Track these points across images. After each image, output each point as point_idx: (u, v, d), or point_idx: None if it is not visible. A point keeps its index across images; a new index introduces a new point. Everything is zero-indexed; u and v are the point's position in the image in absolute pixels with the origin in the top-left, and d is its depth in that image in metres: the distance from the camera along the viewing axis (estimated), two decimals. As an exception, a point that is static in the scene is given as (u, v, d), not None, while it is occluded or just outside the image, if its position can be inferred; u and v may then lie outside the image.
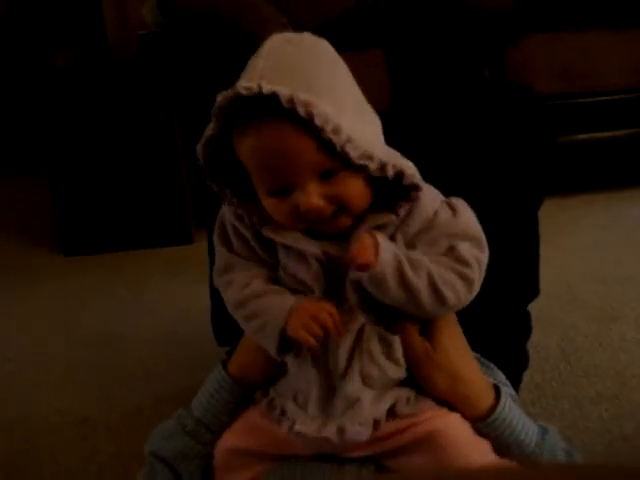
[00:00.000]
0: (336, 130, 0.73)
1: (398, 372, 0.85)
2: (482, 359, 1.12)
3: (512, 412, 0.89)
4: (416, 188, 0.80)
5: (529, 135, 1.31)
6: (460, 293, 0.82)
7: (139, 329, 2.07)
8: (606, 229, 2.47)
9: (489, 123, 1.31)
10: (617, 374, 1.63)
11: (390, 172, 0.77)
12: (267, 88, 0.71)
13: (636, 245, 2.33)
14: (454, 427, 0.86)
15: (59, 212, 2.64)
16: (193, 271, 2.25)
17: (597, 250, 2.32)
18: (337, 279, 0.84)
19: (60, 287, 2.43)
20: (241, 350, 0.96)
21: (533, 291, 1.37)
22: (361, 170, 0.77)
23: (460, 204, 0.87)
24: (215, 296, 1.41)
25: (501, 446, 0.87)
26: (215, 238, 0.90)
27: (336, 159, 0.75)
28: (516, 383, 1.32)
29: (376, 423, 0.83)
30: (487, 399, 0.89)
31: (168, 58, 2.53)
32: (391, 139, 0.85)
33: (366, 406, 0.83)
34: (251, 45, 1.92)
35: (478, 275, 0.83)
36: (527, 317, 1.38)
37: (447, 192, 0.89)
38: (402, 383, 0.87)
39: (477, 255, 0.84)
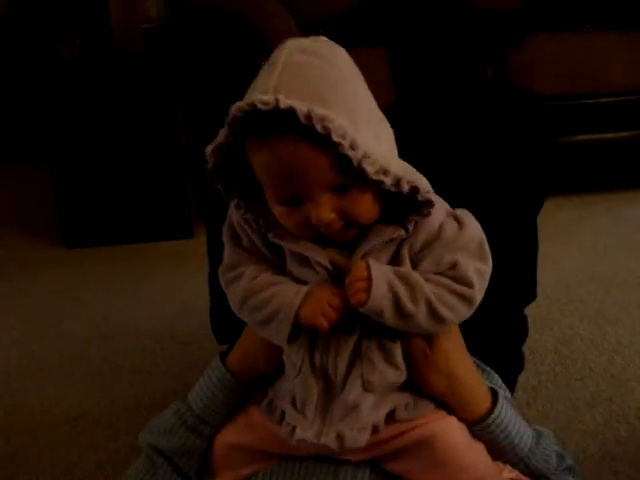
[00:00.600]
0: (353, 146, 0.72)
1: (398, 376, 0.85)
2: (478, 362, 1.14)
3: (508, 416, 0.90)
4: (430, 204, 0.79)
5: (529, 138, 1.32)
6: (460, 313, 0.82)
7: (140, 323, 2.08)
8: (606, 231, 2.47)
9: (490, 125, 1.32)
10: (612, 377, 1.64)
11: (405, 187, 0.76)
12: (285, 103, 0.69)
13: (636, 248, 2.33)
14: (451, 430, 0.87)
15: (61, 205, 2.65)
16: (194, 265, 2.24)
17: (596, 252, 2.32)
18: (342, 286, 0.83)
19: (61, 279, 2.44)
20: (242, 342, 0.96)
21: (530, 295, 1.37)
22: (375, 185, 0.76)
23: (466, 216, 0.86)
24: (214, 295, 1.42)
25: (496, 449, 0.89)
26: (224, 235, 0.90)
27: (350, 175, 0.75)
28: (511, 385, 1.34)
29: (375, 428, 0.84)
30: (484, 402, 0.90)
31: (172, 52, 2.53)
32: (397, 134, 0.85)
33: (365, 411, 0.83)
34: (256, 40, 1.91)
35: (480, 293, 0.83)
36: (524, 320, 1.39)
37: (447, 192, 0.89)
38: (402, 387, 0.87)
39: (480, 268, 0.83)
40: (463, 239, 0.83)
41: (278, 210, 0.80)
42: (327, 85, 0.75)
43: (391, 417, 0.85)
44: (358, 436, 0.83)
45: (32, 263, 2.59)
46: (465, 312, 0.82)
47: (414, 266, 0.83)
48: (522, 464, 0.89)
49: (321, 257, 0.81)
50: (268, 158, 0.74)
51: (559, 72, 2.50)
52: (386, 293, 0.78)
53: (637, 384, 1.61)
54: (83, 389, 1.76)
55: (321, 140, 0.71)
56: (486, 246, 0.85)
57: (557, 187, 2.54)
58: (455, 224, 0.84)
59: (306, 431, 0.84)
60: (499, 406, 0.89)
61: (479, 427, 0.88)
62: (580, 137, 2.60)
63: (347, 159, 0.72)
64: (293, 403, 0.87)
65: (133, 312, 2.15)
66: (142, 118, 2.54)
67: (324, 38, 0.81)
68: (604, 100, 2.53)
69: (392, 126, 0.85)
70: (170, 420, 0.96)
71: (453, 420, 0.88)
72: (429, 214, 0.80)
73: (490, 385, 0.97)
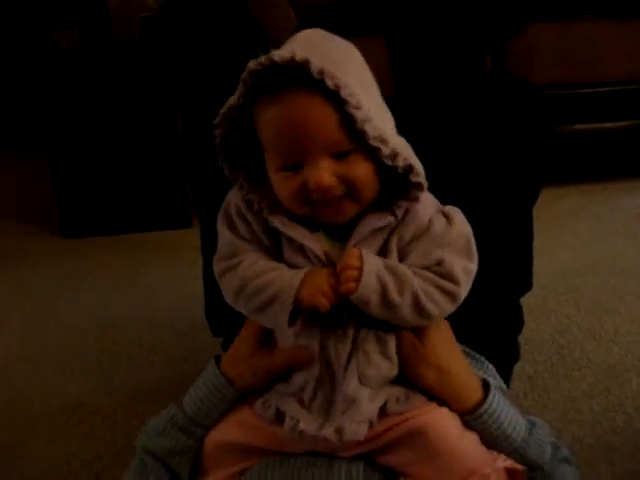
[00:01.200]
0: (359, 106, 0.75)
1: (392, 370, 0.86)
2: (472, 352, 1.14)
3: (500, 406, 0.90)
4: (419, 187, 0.81)
5: (525, 128, 1.32)
6: (444, 308, 0.84)
7: (138, 313, 2.08)
8: (603, 220, 2.48)
9: (487, 115, 1.32)
10: (609, 367, 1.65)
11: (401, 163, 0.78)
12: (301, 57, 0.73)
13: (633, 237, 2.33)
14: (443, 421, 0.87)
15: (60, 194, 2.66)
16: (192, 255, 2.22)
17: (594, 241, 2.32)
18: None
19: (59, 269, 2.44)
20: (237, 356, 0.95)
21: (526, 285, 1.37)
22: (373, 155, 0.78)
23: (455, 213, 0.87)
24: (209, 288, 1.41)
25: (489, 439, 0.89)
26: (219, 224, 0.90)
27: (352, 140, 0.77)
28: (507, 376, 1.34)
29: (370, 422, 0.84)
30: (475, 393, 0.90)
31: (170, 41, 2.52)
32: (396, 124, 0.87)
33: (363, 405, 0.84)
34: (254, 29, 1.90)
35: (465, 289, 0.84)
36: (519, 310, 1.39)
37: (444, 181, 0.90)
38: (393, 381, 0.88)
39: (466, 266, 0.85)
40: (451, 235, 0.85)
41: (277, 178, 0.81)
42: (342, 59, 0.79)
43: (383, 411, 0.86)
44: (357, 429, 0.83)
45: (30, 253, 2.59)
46: (448, 308, 0.84)
47: (401, 259, 0.85)
48: (516, 454, 0.89)
49: (316, 247, 0.83)
50: (277, 111, 0.77)
51: (558, 61, 2.50)
52: (375, 285, 0.79)
53: (635, 374, 1.61)
54: (81, 379, 1.76)
55: (330, 97, 0.74)
56: (473, 244, 0.87)
57: (555, 176, 2.55)
58: (444, 220, 0.86)
59: (309, 424, 0.84)
60: (491, 397, 0.89)
61: (471, 417, 0.88)
62: (578, 126, 2.60)
63: (351, 123, 0.75)
64: (298, 400, 0.87)
65: (131, 302, 2.16)
66: (140, 107, 2.54)
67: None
68: (603, 89, 2.53)
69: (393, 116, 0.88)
70: (162, 422, 0.96)
71: (445, 411, 0.88)
72: (417, 199, 0.83)
73: (482, 376, 0.98)
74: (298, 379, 0.87)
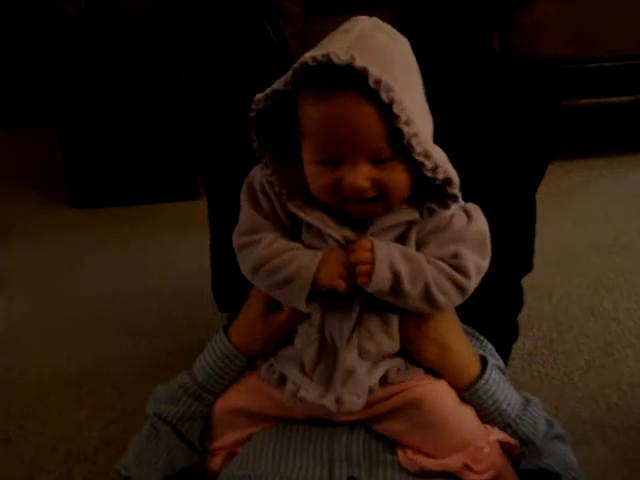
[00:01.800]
0: (408, 122, 0.75)
1: (393, 346, 0.90)
2: (472, 331, 1.18)
3: (496, 383, 0.94)
4: (454, 199, 0.83)
5: (530, 107, 1.33)
6: (453, 299, 0.87)
7: (147, 284, 2.11)
8: (609, 196, 2.48)
9: (492, 95, 1.33)
10: (607, 344, 1.68)
11: (440, 176, 0.80)
12: (360, 63, 0.73)
13: (636, 213, 2.34)
14: (440, 393, 0.92)
15: (69, 164, 2.66)
16: (200, 226, 2.26)
17: (598, 217, 2.33)
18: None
19: (69, 240, 2.46)
20: (244, 323, 1.00)
21: (527, 266, 1.40)
22: (411, 163, 0.79)
23: (475, 211, 0.90)
24: (216, 263, 1.45)
25: (484, 413, 0.93)
26: (242, 197, 0.92)
27: (395, 149, 0.78)
28: (506, 354, 1.38)
29: (370, 391, 0.88)
30: (473, 370, 0.95)
31: (177, 12, 2.51)
32: None
33: (362, 377, 0.88)
34: (262, 2, 1.89)
35: (474, 285, 0.88)
36: (519, 291, 1.42)
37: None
38: (394, 354, 0.92)
39: (479, 263, 0.88)
40: (469, 232, 0.88)
41: (312, 169, 0.83)
42: (397, 62, 0.79)
43: (383, 380, 0.90)
44: (356, 400, 0.87)
45: (40, 223, 2.60)
46: (457, 300, 0.87)
47: (418, 248, 0.88)
48: (509, 429, 0.94)
49: (335, 232, 0.85)
50: (324, 112, 0.77)
51: (565, 35, 2.48)
52: (387, 275, 0.82)
53: (631, 351, 1.65)
54: (91, 350, 1.80)
55: (381, 108, 0.74)
56: (488, 243, 0.90)
57: (561, 151, 2.55)
58: (465, 217, 0.88)
59: (309, 392, 0.89)
60: (487, 373, 0.94)
61: (468, 392, 0.93)
62: (584, 101, 2.59)
63: (397, 133, 0.76)
64: (301, 368, 0.91)
65: (140, 273, 2.18)
66: (147, 78, 2.53)
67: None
68: (609, 64, 2.51)
69: None
70: (173, 389, 1.01)
71: (442, 383, 0.93)
72: (449, 207, 0.84)
73: (481, 353, 1.01)
74: (300, 342, 0.91)
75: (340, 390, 0.88)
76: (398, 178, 0.81)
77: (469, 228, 0.88)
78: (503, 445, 0.93)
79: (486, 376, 0.93)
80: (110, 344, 1.83)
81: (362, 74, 0.73)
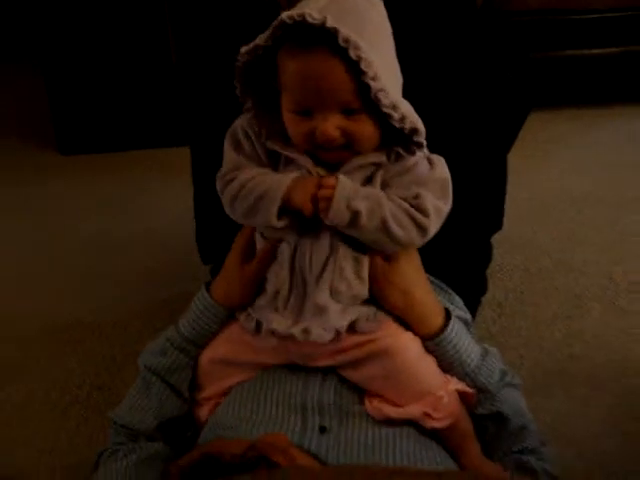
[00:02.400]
0: (375, 78, 0.82)
1: (362, 289, 0.97)
2: (442, 285, 1.26)
3: (458, 334, 1.02)
4: (420, 146, 0.91)
5: (498, 62, 1.37)
6: (412, 236, 0.93)
7: (134, 233, 2.15)
8: (588, 148, 2.52)
9: (467, 49, 1.37)
10: (574, 297, 1.75)
11: (407, 126, 0.87)
12: (331, 23, 0.80)
13: (615, 165, 2.38)
14: (406, 344, 0.99)
15: (55, 110, 2.66)
16: (188, 174, 2.29)
17: (576, 169, 2.37)
18: None
19: (56, 188, 2.47)
20: (222, 276, 1.07)
21: (496, 225, 1.46)
22: (379, 114, 0.86)
23: (438, 160, 0.97)
24: (200, 216, 1.50)
25: (445, 363, 1.02)
26: (226, 145, 0.99)
27: (364, 102, 0.85)
28: (474, 307, 1.45)
29: (337, 332, 0.96)
30: (437, 319, 1.03)
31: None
32: None
33: (332, 315, 0.95)
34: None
35: (435, 224, 0.94)
36: (489, 248, 1.48)
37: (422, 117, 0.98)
38: (366, 302, 0.99)
39: (439, 206, 0.94)
40: (431, 177, 0.95)
41: (289, 117, 0.90)
42: (369, 23, 0.85)
43: (353, 328, 0.97)
44: (323, 333, 0.95)
45: (26, 170, 2.61)
46: (416, 237, 0.94)
47: (382, 188, 0.94)
48: (468, 378, 1.02)
49: (310, 167, 0.93)
50: (299, 66, 0.85)
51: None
52: (344, 210, 0.89)
53: (597, 304, 1.72)
54: (79, 298, 1.85)
55: (350, 64, 0.81)
56: (449, 189, 0.96)
57: (541, 101, 2.57)
58: (427, 165, 0.95)
59: (280, 324, 0.97)
60: (450, 325, 1.02)
61: (432, 343, 1.01)
62: (569, 52, 2.63)
63: (366, 88, 0.83)
64: (275, 310, 0.98)
65: (128, 222, 2.21)
66: (133, 21, 2.52)
67: None
68: (594, 16, 2.55)
69: None
70: (161, 342, 1.10)
71: (409, 335, 1.00)
72: (414, 153, 0.92)
73: (448, 306, 1.09)
74: (271, 285, 0.98)
75: (309, 322, 0.96)
76: (366, 128, 0.88)
77: (431, 174, 0.95)
78: (461, 394, 1.02)
79: (449, 328, 1.01)
80: (97, 292, 1.88)
81: (333, 33, 0.80)
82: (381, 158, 0.93)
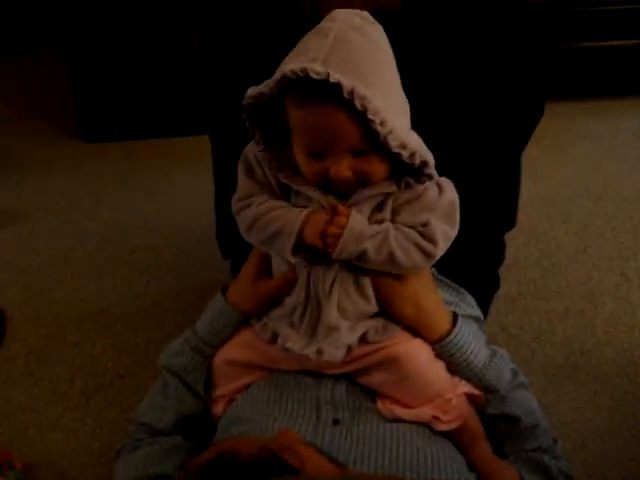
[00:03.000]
0: (383, 123, 0.85)
1: (368, 306, 1.02)
2: (454, 284, 1.29)
3: (465, 337, 1.06)
4: (430, 178, 0.94)
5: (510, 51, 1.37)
6: (419, 264, 0.98)
7: (157, 221, 2.18)
8: (603, 141, 2.52)
9: (480, 45, 1.39)
10: (587, 292, 1.77)
11: (417, 161, 0.90)
12: (334, 78, 0.82)
13: (629, 160, 2.39)
14: (416, 350, 1.04)
15: (79, 97, 2.68)
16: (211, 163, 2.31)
17: (590, 163, 2.38)
18: None
19: (80, 175, 2.50)
20: (239, 286, 1.12)
21: (509, 223, 1.48)
22: (392, 153, 0.89)
23: (446, 183, 1.00)
24: (220, 212, 1.54)
25: (453, 365, 1.05)
26: (239, 171, 1.03)
27: (373, 144, 0.88)
28: (486, 304, 1.48)
29: (349, 348, 1.01)
30: (445, 325, 1.06)
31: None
32: (400, 39, 0.97)
33: (343, 334, 1.00)
34: None
35: (442, 251, 0.98)
36: (502, 246, 1.51)
37: (435, 116, 1.02)
38: (375, 315, 1.03)
39: (447, 231, 0.98)
40: (440, 203, 0.98)
41: (302, 159, 0.94)
42: (370, 66, 0.87)
43: (364, 339, 1.02)
44: (335, 352, 1.00)
45: (50, 158, 2.64)
46: (423, 264, 0.99)
47: (393, 215, 0.98)
48: (476, 379, 1.06)
49: (322, 199, 0.96)
50: (307, 118, 0.88)
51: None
52: (352, 250, 0.93)
53: (609, 299, 1.74)
54: (103, 286, 1.90)
55: (356, 113, 0.84)
56: (457, 212, 1.00)
57: (558, 93, 2.58)
58: (437, 189, 0.98)
59: (295, 343, 1.01)
60: (457, 328, 1.06)
61: (439, 345, 1.05)
62: (585, 44, 2.63)
63: (374, 134, 0.86)
64: (290, 324, 1.03)
65: (152, 211, 2.25)
66: (157, 9, 2.53)
67: (367, 14, 0.93)
68: (612, 8, 2.54)
69: (400, 27, 0.99)
70: (178, 343, 1.15)
71: (418, 341, 1.04)
72: (424, 183, 0.95)
73: (456, 305, 1.14)
74: (289, 301, 1.02)
75: (322, 342, 1.00)
76: (377, 166, 0.92)
77: (440, 200, 0.98)
78: (469, 396, 1.06)
79: (456, 330, 1.05)
80: (121, 280, 1.92)
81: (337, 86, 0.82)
82: (391, 188, 0.96)
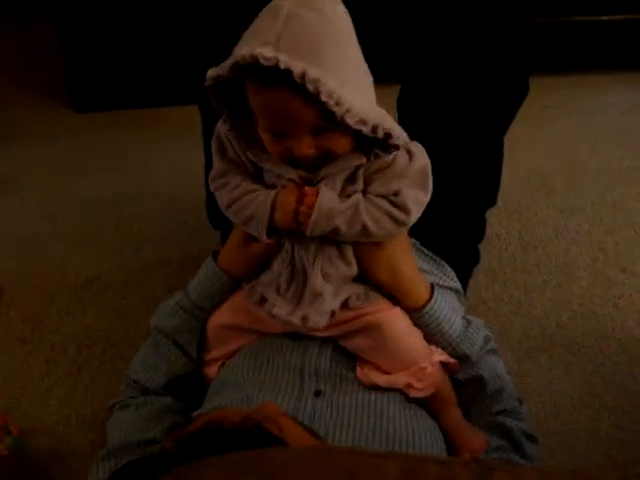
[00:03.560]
0: (338, 103, 0.86)
1: (349, 270, 1.07)
2: (435, 257, 1.35)
3: (441, 308, 1.13)
4: (396, 148, 0.96)
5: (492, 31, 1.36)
6: (391, 232, 1.03)
7: (149, 190, 2.19)
8: (590, 116, 2.53)
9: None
10: (565, 265, 1.82)
11: (380, 133, 0.92)
12: (284, 64, 0.82)
13: (615, 135, 2.40)
14: (395, 318, 1.11)
15: (70, 68, 2.65)
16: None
17: (575, 138, 2.39)
18: None
19: (71, 145, 2.49)
20: (229, 250, 1.16)
21: (490, 201, 1.53)
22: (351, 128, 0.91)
23: (416, 149, 1.03)
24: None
25: (429, 334, 1.13)
26: (213, 148, 1.06)
27: (333, 122, 0.89)
28: (466, 278, 1.54)
29: (332, 313, 1.07)
30: (422, 294, 1.13)
31: None
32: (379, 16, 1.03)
33: (327, 300, 1.06)
34: None
35: (415, 217, 1.02)
36: (482, 223, 1.55)
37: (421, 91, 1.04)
38: (356, 280, 1.09)
39: (419, 197, 1.02)
40: (410, 170, 1.01)
41: (265, 137, 0.96)
42: (323, 45, 0.87)
43: (346, 304, 1.08)
44: (319, 319, 1.06)
45: (41, 127, 2.62)
46: (396, 232, 1.03)
47: (365, 185, 1.01)
48: (450, 348, 1.13)
49: (291, 174, 0.99)
50: (264, 101, 0.90)
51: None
52: (323, 226, 0.97)
53: (586, 273, 1.79)
54: (95, 255, 1.92)
55: (311, 96, 0.85)
56: (429, 177, 1.03)
57: (545, 66, 2.58)
58: (407, 156, 1.01)
59: (281, 309, 1.07)
60: (433, 300, 1.12)
61: (417, 315, 1.11)
62: (575, 18, 2.64)
63: (332, 113, 0.87)
64: (277, 289, 1.08)
65: (146, 179, 2.24)
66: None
67: None
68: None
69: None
70: (171, 305, 1.21)
71: (397, 310, 1.11)
72: (391, 153, 0.98)
73: (436, 276, 1.20)
74: (276, 266, 1.08)
75: (307, 309, 1.06)
76: (339, 141, 0.94)
77: (410, 166, 1.01)
78: (444, 364, 1.12)
79: (433, 301, 1.12)
80: (113, 249, 1.94)
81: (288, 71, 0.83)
82: (361, 159, 0.98)
